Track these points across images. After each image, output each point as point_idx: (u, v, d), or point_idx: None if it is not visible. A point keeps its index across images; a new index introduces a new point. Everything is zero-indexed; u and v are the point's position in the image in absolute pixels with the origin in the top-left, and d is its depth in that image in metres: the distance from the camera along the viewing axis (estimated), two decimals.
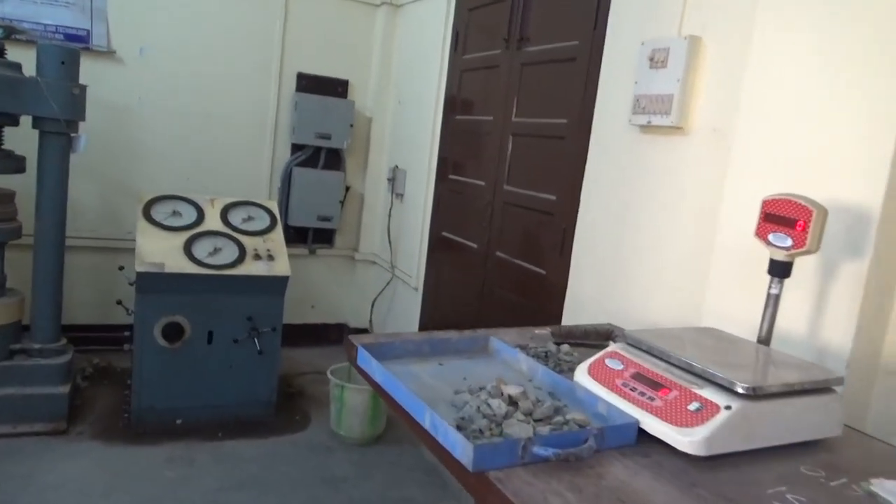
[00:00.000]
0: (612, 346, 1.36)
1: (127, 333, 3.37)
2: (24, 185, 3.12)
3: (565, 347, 1.60)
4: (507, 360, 1.51)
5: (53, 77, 2.88)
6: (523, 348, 1.56)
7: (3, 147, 2.99)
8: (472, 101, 3.40)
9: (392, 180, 4.11)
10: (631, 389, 1.21)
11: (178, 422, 3.21)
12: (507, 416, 1.16)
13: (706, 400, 1.11)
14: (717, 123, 1.91)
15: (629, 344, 1.33)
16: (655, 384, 1.19)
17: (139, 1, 3.70)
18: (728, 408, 1.08)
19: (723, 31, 1.92)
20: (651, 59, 2.10)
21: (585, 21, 2.52)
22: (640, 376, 1.23)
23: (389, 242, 4.13)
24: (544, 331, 1.77)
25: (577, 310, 2.44)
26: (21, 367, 3.01)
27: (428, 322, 3.72)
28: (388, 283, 4.16)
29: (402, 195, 4.07)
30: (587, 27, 2.51)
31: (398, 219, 4.10)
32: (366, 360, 1.38)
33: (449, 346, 1.54)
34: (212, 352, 3.23)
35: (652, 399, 1.16)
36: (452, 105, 3.57)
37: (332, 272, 4.50)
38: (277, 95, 4.10)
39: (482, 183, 3.21)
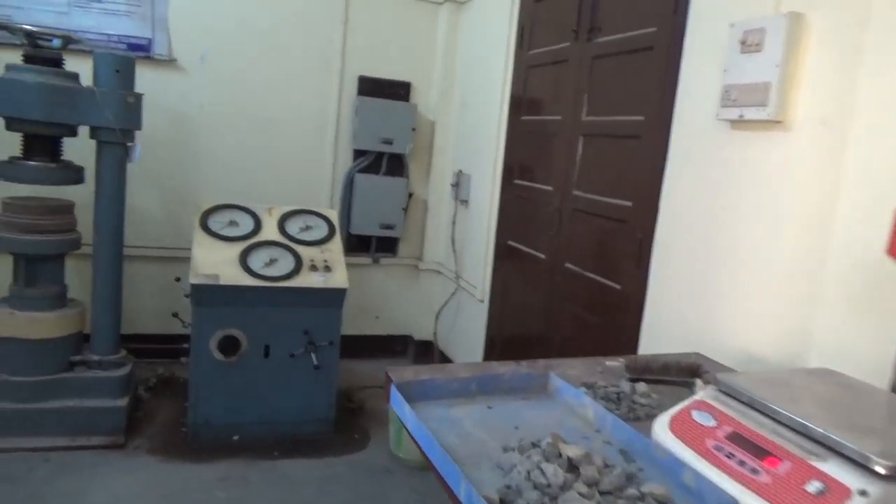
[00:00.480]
0: (701, 394, 1.09)
1: (185, 345, 3.30)
2: (84, 196, 3.11)
3: (642, 387, 1.34)
4: (570, 404, 1.27)
5: (109, 86, 2.84)
6: (590, 387, 1.31)
7: (61, 158, 2.98)
8: (538, 99, 3.15)
9: (456, 186, 3.91)
10: (727, 456, 0.94)
11: (235, 438, 3.12)
12: (564, 486, 0.92)
13: (831, 479, 0.84)
14: (827, 115, 1.59)
15: (722, 391, 1.07)
16: (760, 450, 0.92)
17: (199, 8, 3.66)
18: (863, 493, 0.81)
19: (832, 5, 1.60)
20: (743, 43, 1.80)
21: (664, 4, 2.23)
22: (738, 438, 0.96)
23: (454, 251, 3.93)
24: (616, 362, 1.52)
25: (657, 332, 2.16)
26: (80, 380, 2.99)
27: (494, 338, 3.49)
28: (452, 294, 3.95)
29: (466, 201, 3.86)
30: (666, 10, 2.22)
31: (463, 226, 3.90)
32: (398, 403, 1.17)
33: (501, 384, 1.31)
34: (268, 366, 3.12)
35: (755, 472, 0.90)
36: (518, 105, 3.33)
37: (395, 282, 4.34)
38: (338, 100, 3.98)
39: (549, 188, 2.96)
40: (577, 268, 2.71)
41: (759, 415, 0.98)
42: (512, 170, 3.36)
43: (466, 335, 3.83)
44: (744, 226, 1.82)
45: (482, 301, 3.60)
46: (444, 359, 4.10)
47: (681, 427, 1.03)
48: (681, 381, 1.41)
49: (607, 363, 1.52)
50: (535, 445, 1.03)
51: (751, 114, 1.76)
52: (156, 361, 3.88)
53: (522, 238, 3.22)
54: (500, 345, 3.43)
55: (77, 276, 3.37)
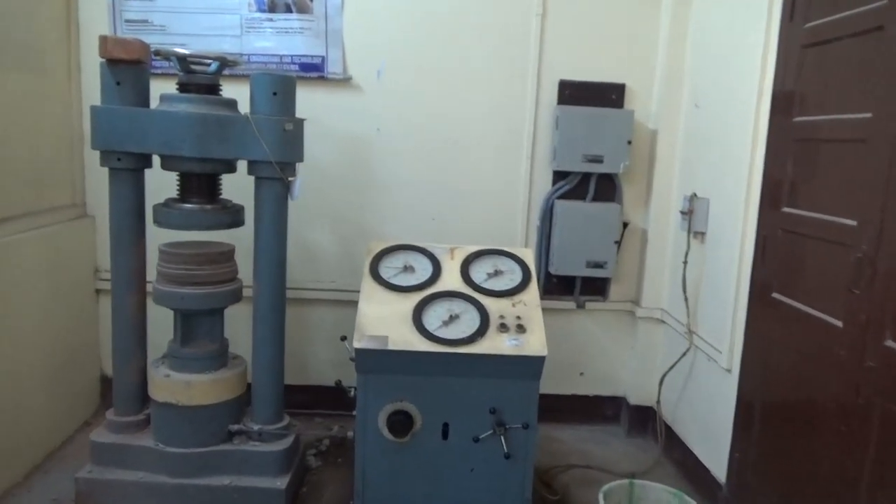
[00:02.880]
0: None
1: (354, 413, 2.79)
2: (248, 236, 2.73)
3: None
4: None
5: (265, 112, 2.41)
6: None
7: (220, 197, 2.62)
8: (824, 91, 2.17)
9: (688, 213, 2.98)
10: None
11: None
12: None
13: None
14: None
15: None
16: None
17: (377, 17, 3.18)
18: None
19: None
20: None
21: None
22: None
23: (685, 298, 3.00)
24: None
25: None
26: (238, 453, 2.59)
27: (748, 424, 2.52)
28: (683, 354, 3.03)
29: (703, 234, 2.93)
30: None
31: (698, 266, 2.96)
32: None
33: None
34: (447, 450, 2.48)
35: None
36: (787, 101, 2.36)
37: (605, 331, 3.51)
38: (534, 111, 3.27)
39: (850, 222, 1.97)
40: None
41: None
42: (777, 193, 2.39)
43: (704, 410, 2.89)
44: None
45: (729, 370, 2.65)
46: (671, 434, 3.18)
47: None
48: None
49: None
50: None
51: None
52: (331, 415, 3.48)
53: (797, 291, 2.25)
54: (759, 437, 2.45)
55: (241, 323, 3.03)
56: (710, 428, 2.81)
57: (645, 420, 3.44)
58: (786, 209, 2.34)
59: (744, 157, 2.56)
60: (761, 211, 2.49)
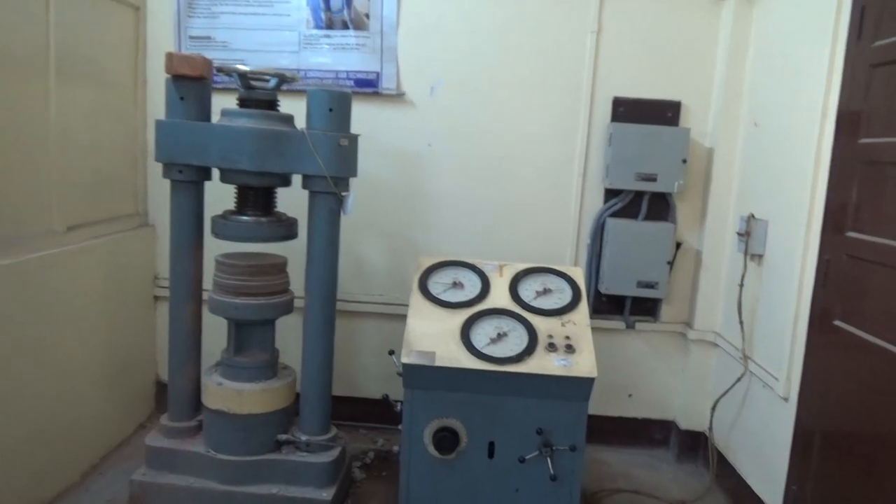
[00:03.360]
0: None
1: (399, 426, 2.79)
2: (301, 249, 2.78)
3: None
4: None
5: (320, 127, 2.46)
6: None
7: (275, 210, 2.67)
8: (893, 112, 2.09)
9: (745, 235, 2.91)
10: None
11: None
12: None
13: None
14: None
15: None
16: None
17: (431, 34, 3.21)
18: None
19: None
20: None
21: None
22: None
23: (741, 322, 2.92)
24: None
25: None
26: (286, 463, 2.62)
27: (806, 455, 2.42)
28: (738, 380, 2.94)
29: (760, 256, 2.84)
30: None
31: (755, 290, 2.88)
32: None
33: None
34: (493, 469, 2.47)
35: None
36: (853, 122, 2.28)
37: (656, 353, 3.44)
38: (587, 129, 3.24)
39: None
40: None
41: None
42: (841, 216, 2.31)
43: (759, 439, 2.79)
44: None
45: (786, 399, 2.56)
46: (723, 461, 3.08)
47: None
48: None
49: None
50: None
51: None
52: (376, 428, 3.50)
53: (862, 319, 2.16)
54: (818, 470, 2.35)
55: (291, 334, 3.09)
56: (765, 457, 2.72)
57: (695, 446, 3.34)
58: (850, 233, 2.25)
59: (806, 179, 2.48)
60: (824, 235, 2.40)
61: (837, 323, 2.28)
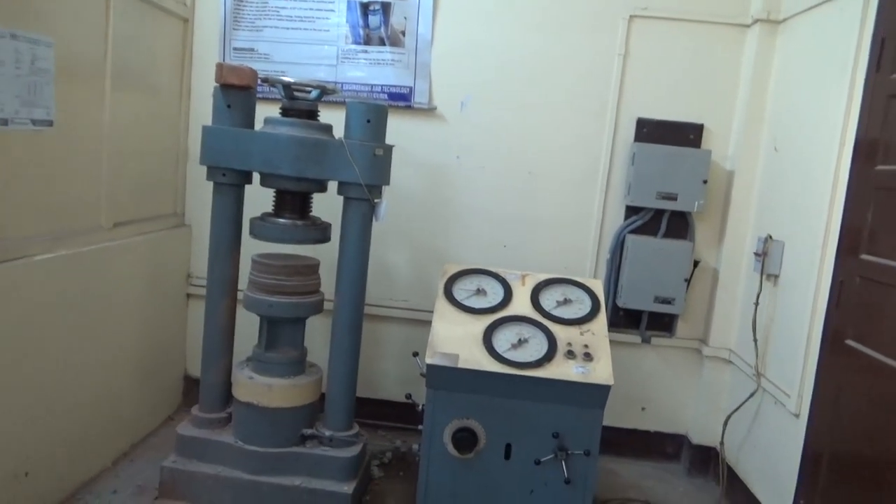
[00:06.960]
0: None
1: (419, 427, 2.90)
2: (333, 253, 2.90)
3: None
4: None
5: (358, 137, 2.59)
6: None
7: (310, 214, 2.80)
8: None
9: (762, 255, 2.99)
10: None
11: None
12: None
13: None
14: None
15: None
16: None
17: (463, 53, 3.34)
18: None
19: None
20: None
21: None
22: None
23: (755, 339, 2.99)
24: None
25: None
26: (310, 456, 2.73)
27: (815, 472, 2.49)
28: (750, 396, 3.01)
29: (776, 276, 2.93)
30: None
31: (770, 309, 2.96)
32: None
33: None
34: (509, 470, 2.56)
35: None
36: (870, 149, 2.37)
37: (670, 368, 3.51)
38: (611, 148, 3.35)
39: None
40: None
41: None
42: (856, 239, 2.39)
43: (770, 455, 2.85)
44: None
45: (797, 415, 2.63)
46: (733, 476, 3.14)
47: None
48: None
49: None
50: None
51: None
52: (396, 428, 3.60)
53: (874, 340, 2.23)
54: (826, 487, 2.42)
55: (318, 333, 3.21)
56: (775, 473, 2.78)
57: (706, 460, 3.40)
58: (864, 256, 2.33)
59: (823, 203, 2.57)
60: (839, 257, 2.49)
61: (850, 343, 2.36)
